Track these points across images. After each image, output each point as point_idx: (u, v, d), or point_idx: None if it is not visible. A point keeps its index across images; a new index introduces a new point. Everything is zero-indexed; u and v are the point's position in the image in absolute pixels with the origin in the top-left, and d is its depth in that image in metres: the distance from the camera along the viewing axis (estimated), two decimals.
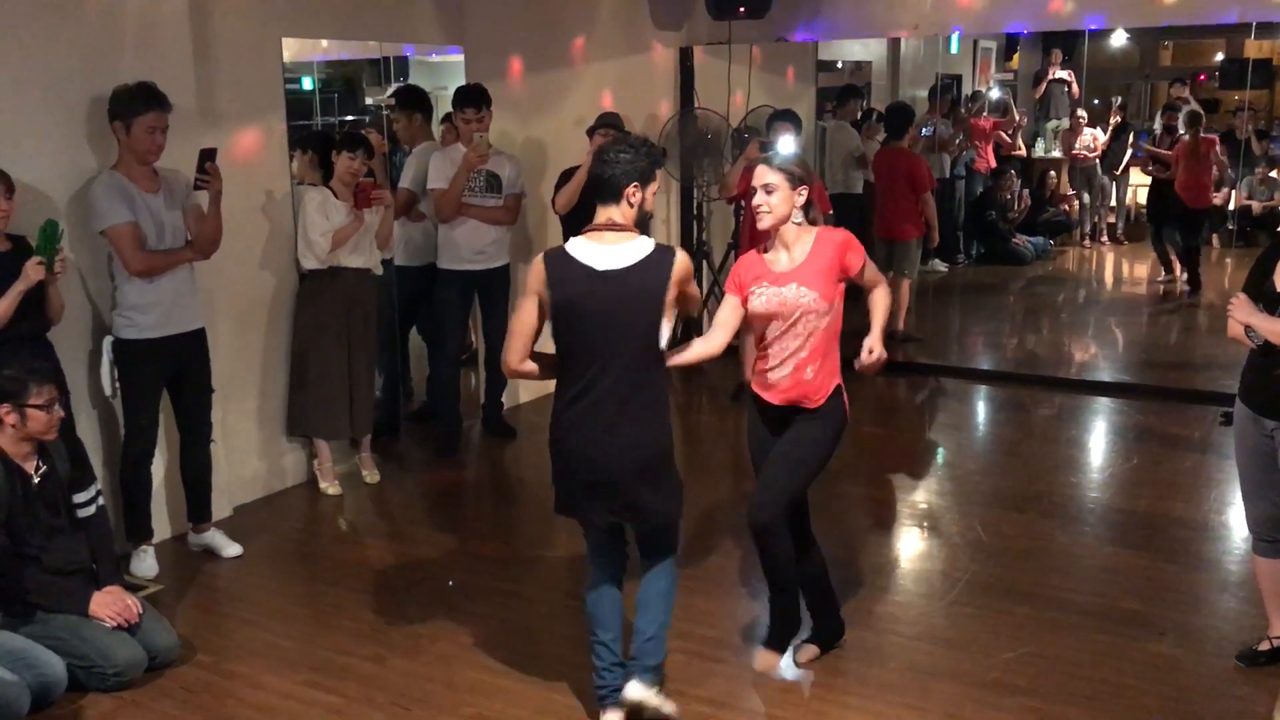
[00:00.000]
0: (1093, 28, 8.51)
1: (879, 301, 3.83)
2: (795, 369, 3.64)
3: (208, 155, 4.65)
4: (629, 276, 3.29)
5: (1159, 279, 10.64)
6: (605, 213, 3.35)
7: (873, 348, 3.73)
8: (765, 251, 3.75)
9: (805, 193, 3.66)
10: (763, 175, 3.64)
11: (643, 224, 3.44)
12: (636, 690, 3.51)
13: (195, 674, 4.00)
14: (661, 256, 3.32)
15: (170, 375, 4.78)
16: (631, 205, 3.35)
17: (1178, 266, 10.41)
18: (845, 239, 3.71)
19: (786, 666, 3.90)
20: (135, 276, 4.54)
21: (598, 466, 3.43)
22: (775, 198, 3.62)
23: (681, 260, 3.35)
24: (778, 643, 3.95)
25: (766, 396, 3.74)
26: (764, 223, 3.66)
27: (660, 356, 3.41)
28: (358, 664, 4.04)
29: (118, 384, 4.66)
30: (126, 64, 4.67)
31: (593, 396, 3.37)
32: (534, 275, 3.37)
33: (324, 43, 6.49)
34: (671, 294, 3.32)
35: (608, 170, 3.33)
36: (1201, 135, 9.97)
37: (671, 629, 4.21)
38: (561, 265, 3.33)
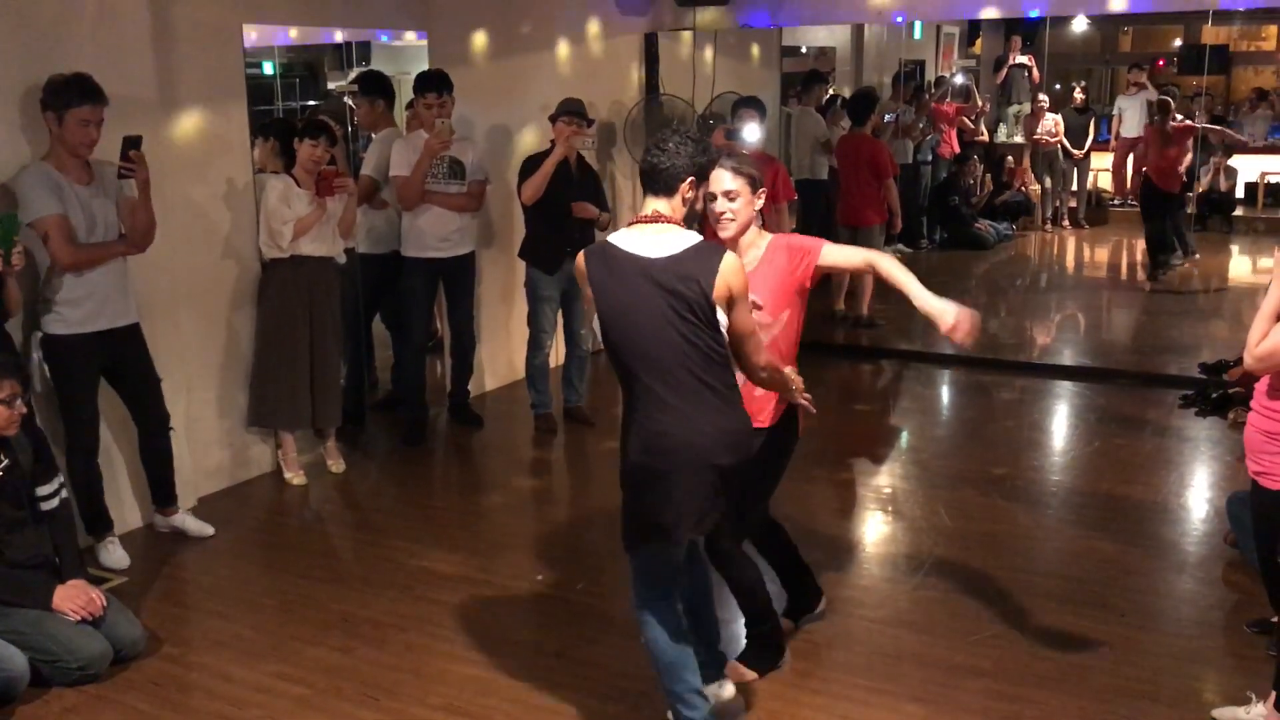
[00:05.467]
0: (1032, 14, 8.57)
1: (892, 274, 3.55)
2: (744, 384, 3.32)
3: (132, 143, 4.46)
4: (675, 266, 3.05)
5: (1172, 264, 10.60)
6: (653, 204, 3.14)
7: (936, 315, 3.48)
8: None
9: (764, 194, 3.56)
10: (724, 181, 3.44)
11: (689, 224, 3.22)
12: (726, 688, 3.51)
13: (161, 666, 3.97)
14: (708, 252, 3.08)
15: (107, 370, 4.69)
16: (685, 201, 3.15)
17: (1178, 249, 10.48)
18: (791, 247, 3.54)
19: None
20: (64, 270, 4.42)
21: (666, 469, 3.14)
22: (738, 204, 3.47)
23: (731, 260, 3.08)
24: (756, 663, 3.81)
25: None
26: (728, 231, 3.50)
27: (723, 347, 3.12)
28: (325, 654, 4.03)
29: (49, 379, 4.56)
30: (84, 50, 4.59)
31: (651, 399, 3.11)
32: (578, 272, 3.21)
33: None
34: (720, 291, 3.04)
35: (666, 161, 3.11)
36: (1172, 123, 10.07)
37: (627, 619, 4.24)
38: (601, 257, 3.15)
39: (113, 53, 4.63)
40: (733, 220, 3.50)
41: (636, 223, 3.15)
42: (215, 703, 3.75)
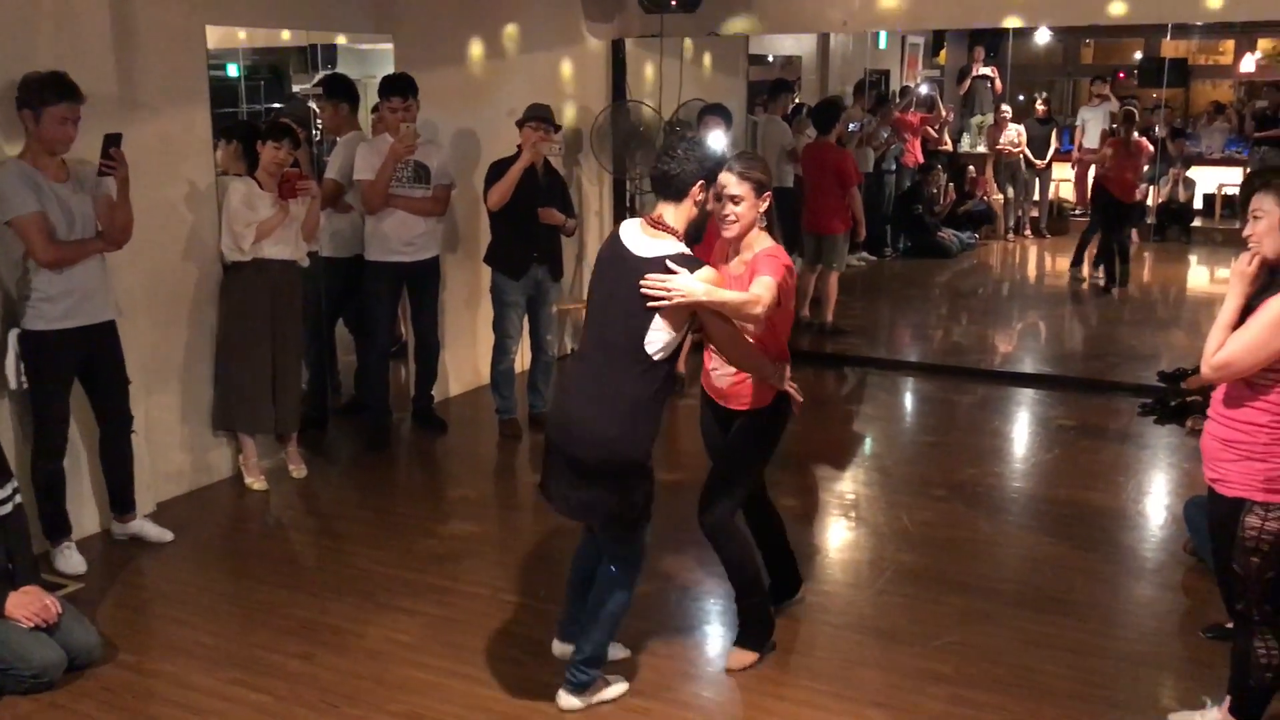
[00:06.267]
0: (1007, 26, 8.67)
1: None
2: (735, 371, 3.70)
3: (112, 140, 4.51)
4: (644, 267, 3.28)
5: (1096, 276, 10.76)
6: (662, 209, 3.38)
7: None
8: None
9: (769, 198, 3.68)
10: (729, 186, 3.59)
11: (699, 225, 3.45)
12: (563, 699, 3.65)
13: (117, 674, 3.92)
14: (684, 263, 3.28)
15: (81, 367, 4.67)
16: (695, 205, 3.37)
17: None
18: (768, 261, 3.60)
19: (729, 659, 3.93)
20: (44, 267, 4.42)
21: (552, 436, 3.50)
22: (742, 207, 3.62)
23: (704, 274, 3.29)
24: (752, 642, 3.94)
25: (712, 395, 3.89)
26: (730, 232, 3.66)
27: (645, 362, 3.31)
28: (286, 661, 3.99)
29: (24, 378, 4.54)
30: (42, 49, 4.54)
31: (574, 369, 3.50)
32: None
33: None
34: (678, 303, 3.25)
35: (676, 167, 3.32)
36: (1135, 136, 10.20)
37: None
38: (611, 240, 3.47)
39: (73, 54, 4.58)
40: (735, 222, 3.65)
41: (646, 221, 3.41)
42: (173, 710, 3.70)
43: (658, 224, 3.36)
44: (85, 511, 4.99)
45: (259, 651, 4.06)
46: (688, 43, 8.64)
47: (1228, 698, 3.39)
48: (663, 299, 3.23)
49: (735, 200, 3.61)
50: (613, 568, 3.57)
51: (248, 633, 4.21)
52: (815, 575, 4.69)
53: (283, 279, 5.51)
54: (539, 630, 4.20)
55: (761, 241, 3.71)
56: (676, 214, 3.36)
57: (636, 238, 3.37)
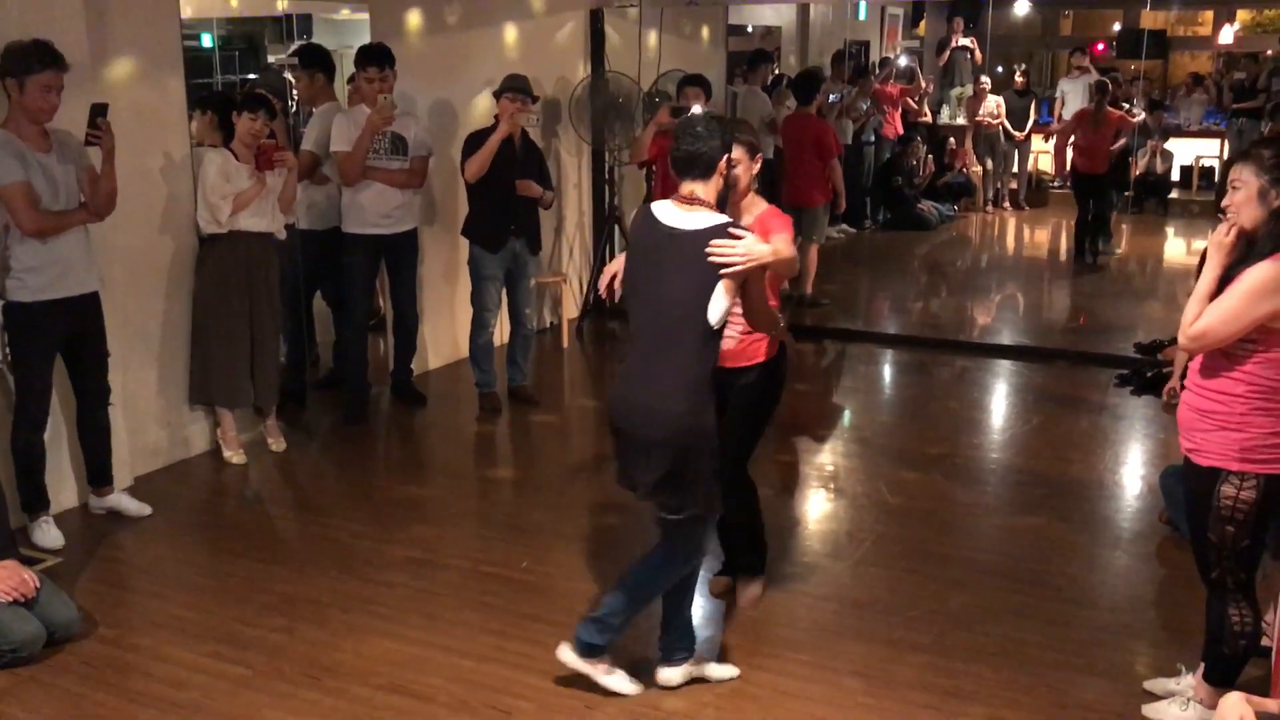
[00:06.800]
0: None
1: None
2: (743, 331, 3.81)
3: (99, 110, 4.49)
4: (701, 238, 3.31)
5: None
6: (690, 187, 3.40)
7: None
8: None
9: (761, 160, 3.83)
10: None
11: (723, 198, 3.52)
12: (564, 654, 3.62)
13: (97, 648, 3.91)
14: (735, 228, 3.36)
15: (65, 339, 4.64)
16: (722, 177, 3.43)
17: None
18: (765, 223, 3.74)
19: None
20: (29, 237, 4.39)
21: (620, 423, 3.52)
22: (739, 169, 3.71)
23: (753, 238, 3.39)
24: (753, 569, 4.22)
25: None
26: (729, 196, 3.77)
27: (707, 333, 3.37)
28: (266, 635, 3.99)
29: (8, 349, 4.51)
30: (12, 18, 4.47)
31: (634, 354, 3.50)
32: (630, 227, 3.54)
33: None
34: (750, 265, 3.32)
35: (703, 146, 3.36)
36: (1108, 107, 10.18)
37: (582, 594, 4.26)
38: (641, 217, 3.50)
39: (43, 23, 4.51)
40: (733, 185, 3.73)
41: (676, 199, 3.44)
42: (153, 684, 3.70)
43: (693, 200, 3.40)
44: (63, 485, 4.96)
45: (238, 625, 4.05)
46: (666, 12, 8.59)
47: (1202, 665, 3.43)
48: (733, 264, 3.30)
49: (732, 164, 3.68)
50: (667, 558, 3.57)
51: (227, 606, 4.20)
52: (795, 547, 4.71)
53: (259, 251, 5.46)
54: (519, 602, 4.21)
55: (758, 204, 3.83)
56: (707, 190, 3.41)
57: (676, 216, 3.40)
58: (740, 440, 3.98)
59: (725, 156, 3.42)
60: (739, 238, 3.32)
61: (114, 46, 5.04)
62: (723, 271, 3.30)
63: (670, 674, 3.66)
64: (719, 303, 3.34)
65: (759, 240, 3.40)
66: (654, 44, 8.28)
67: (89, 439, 4.87)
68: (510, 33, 7.49)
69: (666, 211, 3.42)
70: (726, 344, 3.82)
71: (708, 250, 3.29)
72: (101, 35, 4.96)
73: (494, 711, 3.54)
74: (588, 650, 3.58)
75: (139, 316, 5.31)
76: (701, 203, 3.40)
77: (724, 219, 3.38)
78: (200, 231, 5.41)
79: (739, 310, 3.53)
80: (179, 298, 5.48)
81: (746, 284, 3.42)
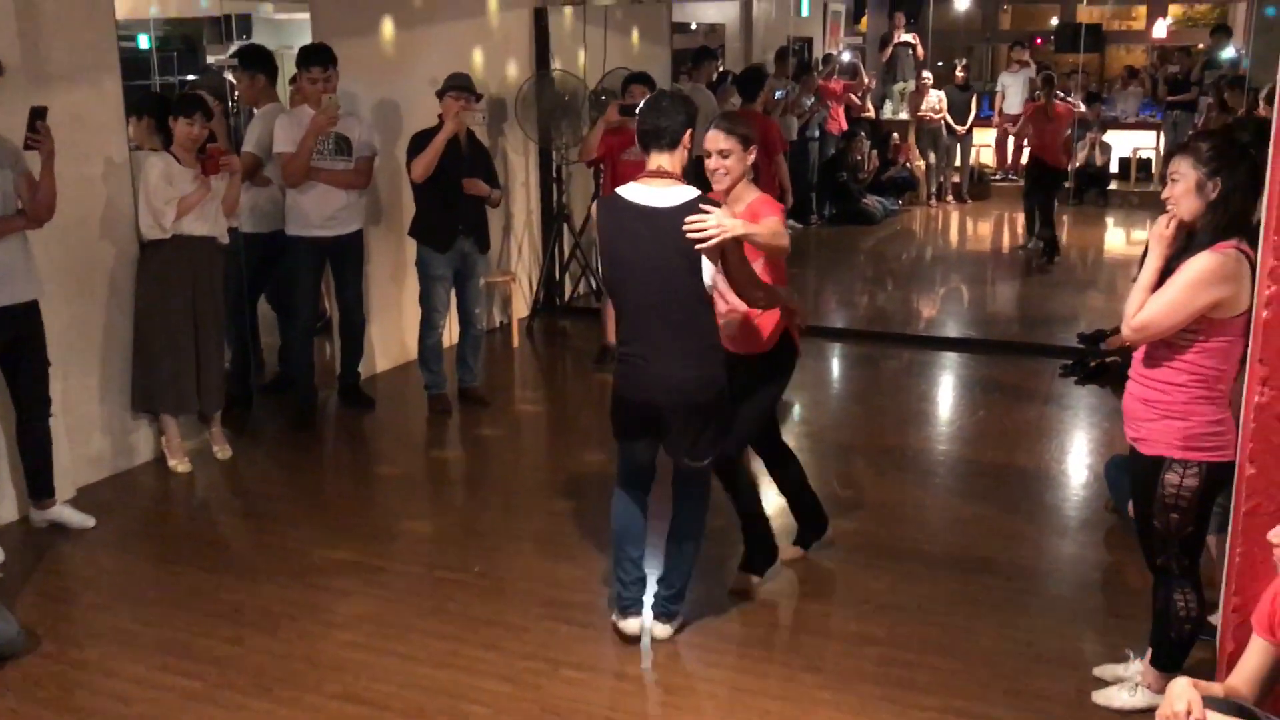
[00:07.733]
0: None
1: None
2: (746, 311, 3.90)
3: (38, 114, 4.40)
4: (679, 214, 3.41)
5: (1023, 245, 10.85)
6: (657, 160, 3.53)
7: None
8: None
9: (755, 151, 3.91)
10: (717, 141, 3.82)
11: (690, 172, 3.64)
12: (659, 629, 3.91)
13: (39, 664, 3.82)
14: (710, 204, 3.46)
15: (3, 348, 4.54)
16: (686, 150, 3.56)
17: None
18: (757, 209, 3.81)
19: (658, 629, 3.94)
20: None
21: (644, 403, 3.64)
22: (731, 159, 3.82)
23: (722, 211, 3.48)
24: (756, 566, 4.28)
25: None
26: (722, 185, 3.85)
27: (708, 299, 3.54)
28: (215, 645, 3.93)
29: None
30: None
31: (642, 337, 3.58)
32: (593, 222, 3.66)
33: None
34: (720, 239, 3.42)
35: (666, 120, 3.51)
36: (1055, 100, 10.32)
37: (537, 596, 4.25)
38: (607, 206, 3.59)
39: None
40: (726, 175, 3.85)
41: (646, 176, 3.53)
42: (99, 699, 3.63)
43: (662, 175, 3.51)
44: (3, 499, 4.86)
45: (187, 636, 3.99)
46: (610, 10, 8.57)
47: (1150, 650, 3.48)
48: (705, 238, 3.39)
49: (724, 154, 3.82)
50: (701, 496, 3.87)
51: (174, 618, 4.13)
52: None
53: (203, 256, 5.38)
54: (473, 606, 4.18)
55: (750, 192, 3.92)
56: (673, 161, 3.53)
57: (649, 194, 3.50)
58: (762, 414, 4.15)
59: (690, 131, 3.53)
60: (708, 212, 3.41)
61: (47, 48, 4.93)
62: (698, 246, 3.40)
63: (664, 629, 3.92)
64: (708, 269, 3.48)
65: (728, 214, 3.51)
66: (598, 42, 8.26)
67: (29, 450, 4.76)
68: (453, 31, 7.44)
69: (637, 192, 3.51)
70: (727, 329, 3.91)
71: (684, 225, 3.40)
72: (34, 36, 4.85)
73: (449, 717, 3.51)
74: (673, 616, 3.91)
75: (80, 324, 5.21)
76: (670, 175, 3.51)
77: (696, 192, 3.48)
78: (142, 236, 5.32)
79: (728, 294, 3.71)
80: (120, 304, 5.38)
81: (725, 256, 3.52)
